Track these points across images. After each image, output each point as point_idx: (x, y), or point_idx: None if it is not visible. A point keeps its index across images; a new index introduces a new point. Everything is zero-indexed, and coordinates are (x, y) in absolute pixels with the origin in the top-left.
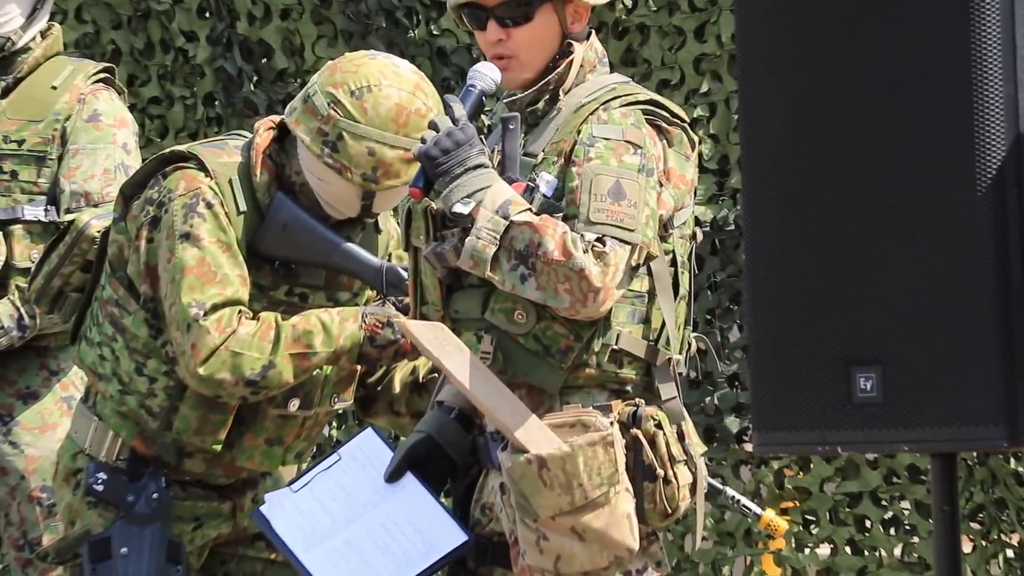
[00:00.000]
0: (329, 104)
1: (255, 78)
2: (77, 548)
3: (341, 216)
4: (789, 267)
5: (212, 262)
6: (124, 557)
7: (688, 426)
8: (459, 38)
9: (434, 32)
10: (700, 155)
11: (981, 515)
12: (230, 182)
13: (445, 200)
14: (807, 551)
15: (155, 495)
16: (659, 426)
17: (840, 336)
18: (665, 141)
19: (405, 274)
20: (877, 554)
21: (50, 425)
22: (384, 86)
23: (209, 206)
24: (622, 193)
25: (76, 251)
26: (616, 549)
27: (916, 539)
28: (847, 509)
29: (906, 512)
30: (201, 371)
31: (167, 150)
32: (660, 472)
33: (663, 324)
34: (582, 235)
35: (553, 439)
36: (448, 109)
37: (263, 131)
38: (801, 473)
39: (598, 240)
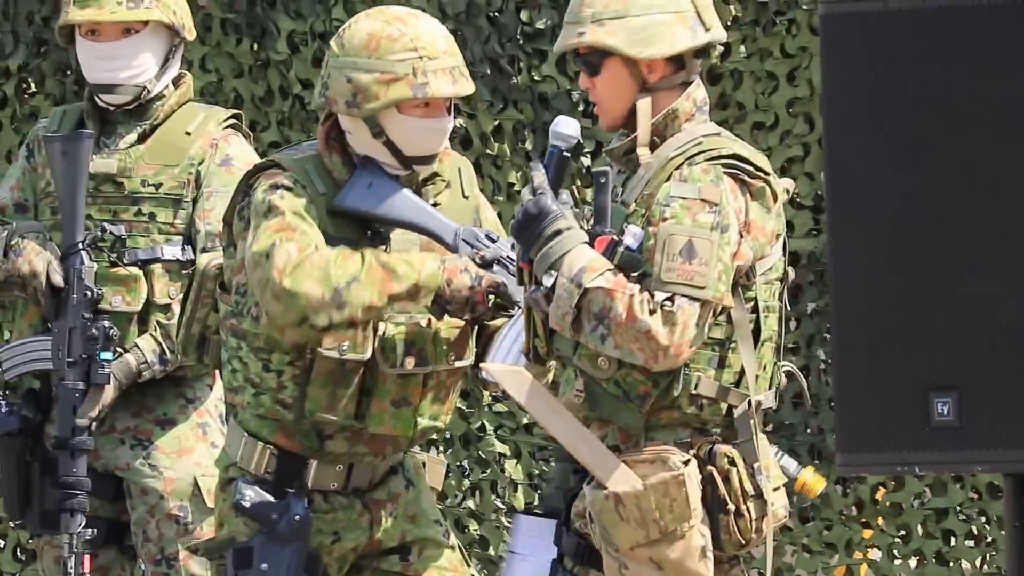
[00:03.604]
0: (326, 57)
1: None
2: (223, 551)
3: (398, 170)
4: (871, 298)
5: (291, 224)
6: (263, 572)
7: (768, 461)
8: (559, 84)
9: (535, 78)
10: (796, 193)
11: None
12: (306, 171)
13: (536, 270)
14: (899, 561)
15: (297, 516)
16: (732, 463)
17: (919, 364)
18: (749, 194)
19: (482, 234)
20: (961, 565)
21: (186, 449)
22: (360, 20)
23: (288, 188)
24: (694, 252)
25: (204, 292)
26: None
27: (996, 552)
28: (935, 523)
29: (987, 527)
30: (286, 283)
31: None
32: (732, 507)
33: (743, 368)
34: (652, 295)
35: (630, 477)
36: (530, 179)
37: (323, 120)
38: (893, 490)
39: (668, 299)
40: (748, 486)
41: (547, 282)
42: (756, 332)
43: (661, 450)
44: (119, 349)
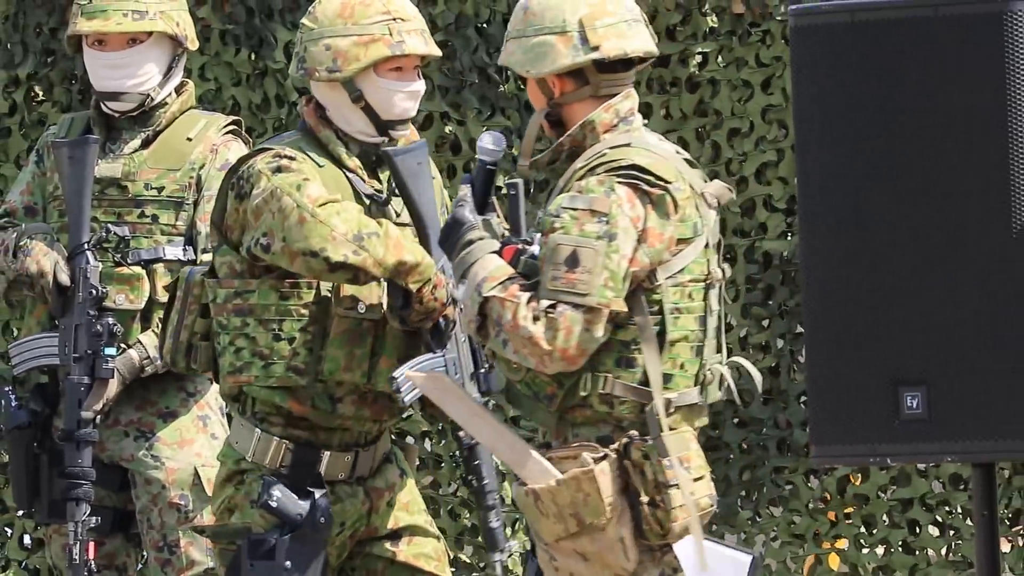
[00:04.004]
0: (299, 35)
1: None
2: (234, 538)
3: (374, 137)
4: (842, 297)
5: (309, 176)
6: (288, 571)
7: (688, 454)
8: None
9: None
10: (769, 196)
11: (1020, 518)
12: (300, 148)
13: (455, 279)
14: (866, 551)
15: (323, 519)
16: (647, 457)
17: (889, 359)
18: (650, 203)
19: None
20: (927, 554)
21: (187, 441)
22: None
23: (291, 157)
24: (578, 261)
25: (190, 299)
26: (615, 568)
27: (961, 541)
28: (901, 513)
29: (952, 516)
30: (318, 211)
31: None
32: (645, 497)
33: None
34: (539, 302)
35: (548, 473)
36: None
37: (304, 103)
38: (861, 481)
39: (551, 306)
40: (662, 478)
41: (459, 291)
42: (662, 334)
43: (580, 447)
44: (123, 345)
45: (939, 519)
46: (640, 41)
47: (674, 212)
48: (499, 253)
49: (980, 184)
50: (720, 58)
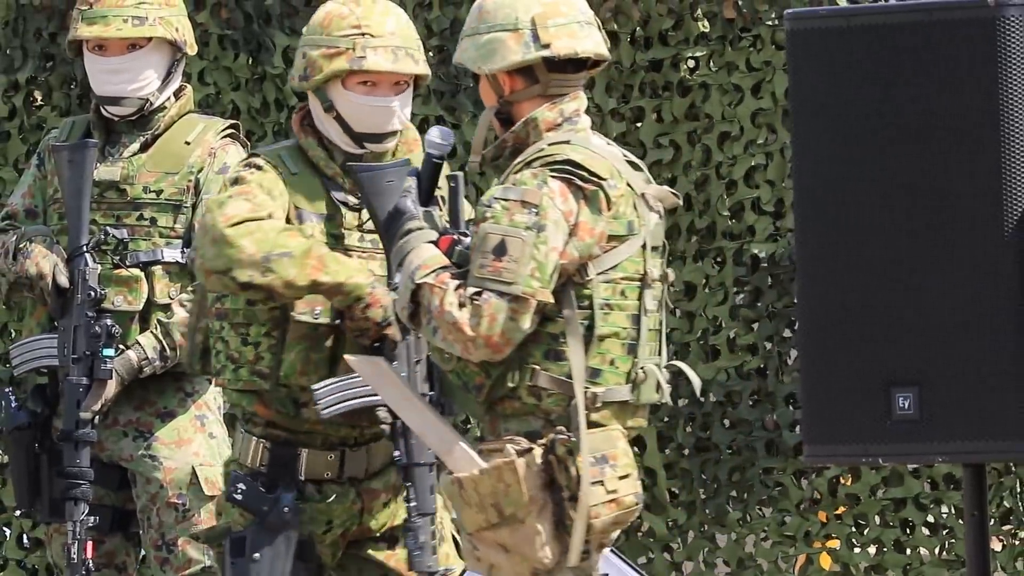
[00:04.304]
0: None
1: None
2: (221, 539)
3: (352, 147)
4: (835, 299)
5: (252, 191)
6: (256, 562)
7: (615, 451)
8: None
9: None
10: (758, 199)
11: (1010, 518)
12: (279, 155)
13: (392, 267)
14: (858, 551)
15: (286, 508)
16: (571, 452)
17: (881, 360)
18: (583, 198)
19: None
20: (919, 553)
21: (185, 440)
22: (327, 3)
23: (258, 167)
24: (505, 250)
25: (205, 302)
26: (533, 562)
27: (954, 540)
28: (893, 513)
29: (945, 516)
30: (228, 232)
31: None
32: (566, 493)
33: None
34: (466, 289)
35: (473, 463)
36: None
37: (297, 110)
38: (852, 481)
39: (476, 294)
40: (585, 474)
41: (395, 279)
42: (591, 329)
43: (509, 439)
44: (121, 346)
45: (931, 519)
46: (591, 43)
47: (607, 209)
48: (436, 243)
49: (973, 186)
50: (711, 63)
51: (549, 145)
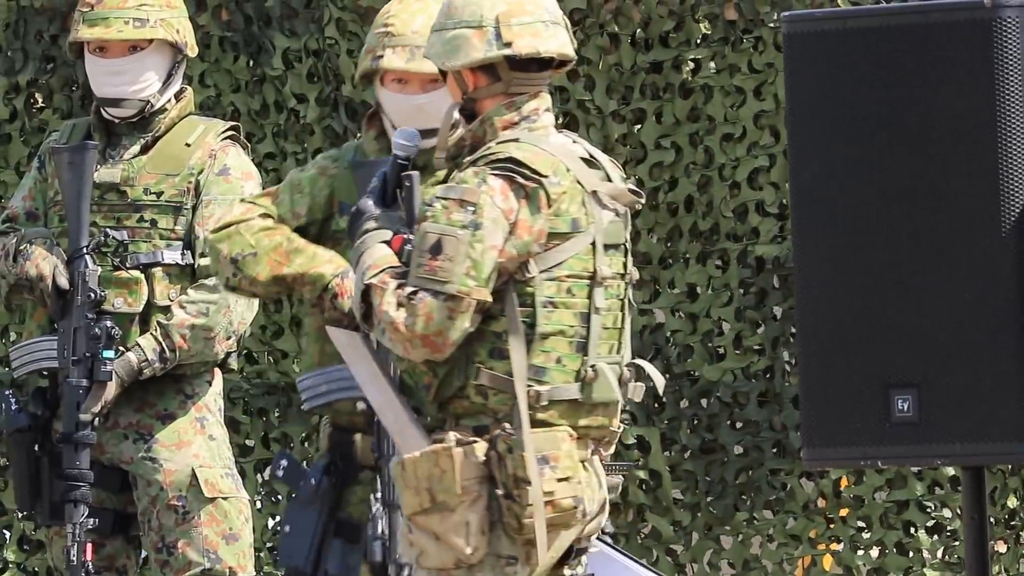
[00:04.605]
0: None
1: (359, 135)
2: None
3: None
4: (833, 301)
5: (270, 191)
6: (286, 534)
7: (558, 453)
8: None
9: None
10: (762, 200)
11: (1014, 520)
12: (353, 147)
13: (352, 266)
14: (860, 552)
15: (313, 480)
16: (511, 450)
17: (880, 363)
18: (525, 196)
19: None
20: (922, 555)
21: (185, 442)
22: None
23: (327, 158)
24: (441, 249)
25: None
26: (456, 552)
27: (956, 542)
28: (896, 515)
29: (947, 518)
30: (211, 237)
31: None
32: (500, 491)
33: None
34: (404, 289)
35: (421, 446)
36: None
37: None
38: (856, 483)
39: (413, 293)
40: (521, 473)
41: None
42: (533, 327)
43: (455, 430)
44: (121, 348)
45: (933, 521)
46: (556, 43)
47: (546, 206)
48: (390, 244)
49: (970, 187)
50: (713, 64)
51: (496, 144)
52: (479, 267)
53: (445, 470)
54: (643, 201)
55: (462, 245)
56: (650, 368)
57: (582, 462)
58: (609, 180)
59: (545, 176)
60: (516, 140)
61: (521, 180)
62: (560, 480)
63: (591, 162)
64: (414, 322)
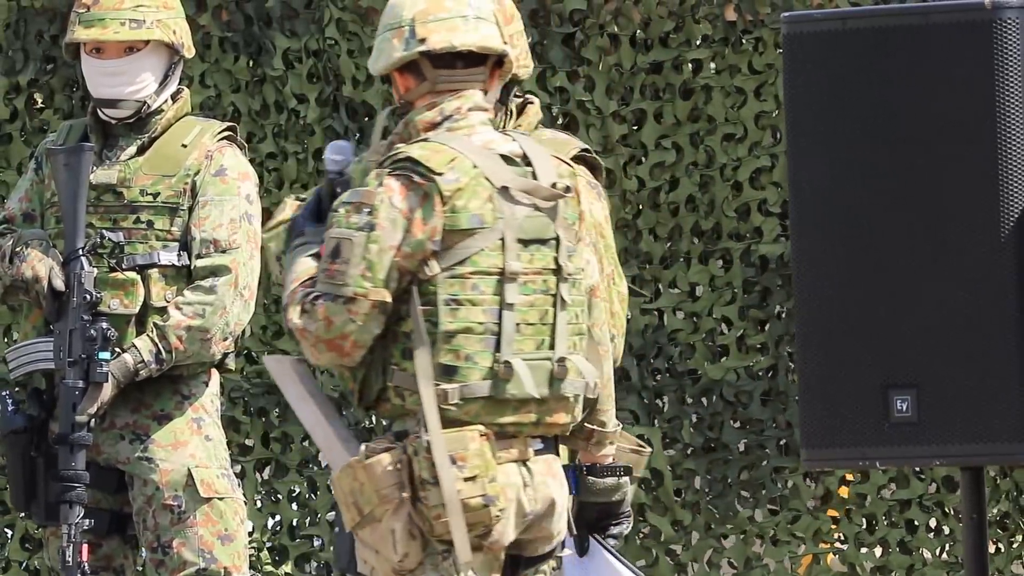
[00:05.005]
0: None
1: (358, 136)
2: None
3: None
4: (832, 301)
5: None
6: (336, 535)
7: (465, 453)
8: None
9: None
10: (764, 200)
11: (1006, 521)
12: None
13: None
14: (864, 550)
15: None
16: (417, 452)
17: (879, 363)
18: (422, 195)
19: None
20: (923, 554)
21: (181, 443)
22: None
23: None
24: (339, 252)
25: None
26: (390, 561)
27: (955, 542)
28: (899, 514)
29: (945, 518)
30: (264, 234)
31: None
32: (407, 493)
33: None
34: (308, 296)
35: (347, 461)
36: None
37: None
38: (859, 482)
39: (315, 298)
40: (426, 474)
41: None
42: (437, 325)
43: (380, 440)
44: (117, 349)
45: (935, 521)
46: (474, 36)
47: (440, 203)
48: (318, 256)
49: (970, 188)
50: (713, 65)
51: (406, 145)
52: (375, 268)
53: (362, 482)
54: (567, 196)
55: (357, 247)
56: (581, 363)
57: (524, 461)
58: (535, 178)
59: (440, 174)
60: (425, 140)
61: (417, 179)
62: (467, 479)
63: (511, 159)
64: (314, 326)
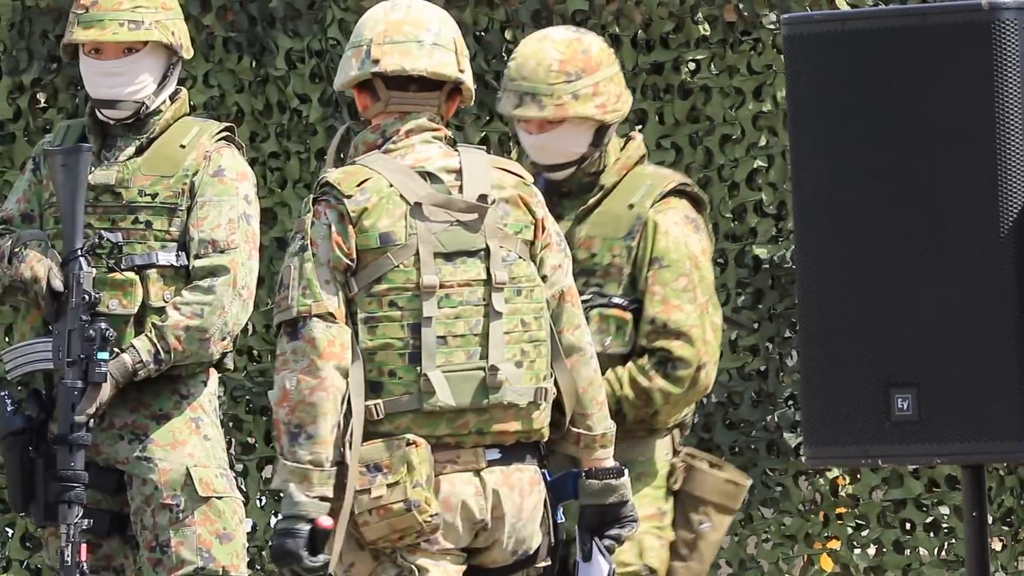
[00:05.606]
0: None
1: None
2: None
3: None
4: (834, 301)
5: None
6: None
7: (384, 459)
8: None
9: None
10: (760, 201)
11: (1010, 518)
12: None
13: None
14: (858, 551)
15: None
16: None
17: (880, 361)
18: (337, 216)
19: None
20: (919, 553)
21: (180, 442)
22: None
23: None
24: (283, 282)
25: None
26: (342, 572)
27: (954, 540)
28: (893, 514)
29: (945, 516)
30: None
31: None
32: (340, 504)
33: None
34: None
35: None
36: None
37: None
38: (852, 482)
39: (282, 335)
40: (351, 483)
41: None
42: (357, 343)
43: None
44: (116, 349)
45: (931, 519)
46: (426, 62)
47: (350, 224)
48: None
49: (969, 189)
50: (712, 66)
51: (331, 169)
52: (311, 284)
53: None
54: (487, 206)
55: (295, 270)
56: (508, 370)
57: (477, 471)
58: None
59: (348, 196)
60: (353, 163)
61: (332, 201)
62: (390, 486)
63: (436, 176)
64: (283, 354)
